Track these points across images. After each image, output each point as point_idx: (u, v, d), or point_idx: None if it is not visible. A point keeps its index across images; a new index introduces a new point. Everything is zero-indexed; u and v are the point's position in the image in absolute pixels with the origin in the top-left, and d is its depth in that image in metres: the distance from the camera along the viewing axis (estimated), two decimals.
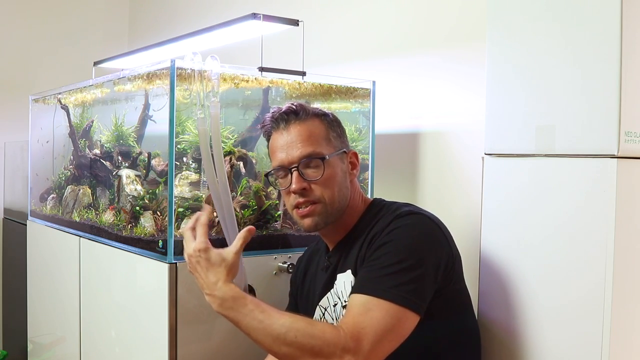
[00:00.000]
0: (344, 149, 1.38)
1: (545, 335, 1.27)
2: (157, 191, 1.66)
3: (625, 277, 1.17)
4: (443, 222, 1.32)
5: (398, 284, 1.16)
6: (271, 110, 1.40)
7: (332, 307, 1.35)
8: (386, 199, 1.42)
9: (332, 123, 1.38)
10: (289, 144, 1.33)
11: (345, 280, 1.31)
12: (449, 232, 1.30)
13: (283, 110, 1.36)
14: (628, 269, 1.18)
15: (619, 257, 1.16)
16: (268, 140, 1.41)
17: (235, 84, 1.59)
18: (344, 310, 1.28)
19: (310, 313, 1.40)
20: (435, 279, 1.22)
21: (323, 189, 1.32)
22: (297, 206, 1.33)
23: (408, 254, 1.19)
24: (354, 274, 1.28)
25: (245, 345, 1.55)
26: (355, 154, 1.41)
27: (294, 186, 1.32)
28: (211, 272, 1.24)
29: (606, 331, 1.16)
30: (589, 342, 1.19)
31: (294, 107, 1.36)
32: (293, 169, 1.32)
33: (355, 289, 1.21)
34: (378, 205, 1.38)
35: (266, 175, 1.41)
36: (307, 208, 1.32)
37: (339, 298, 1.32)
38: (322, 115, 1.37)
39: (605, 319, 1.16)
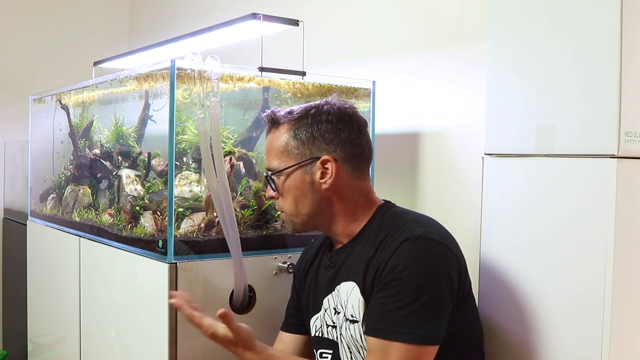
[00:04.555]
0: (312, 158, 1.31)
1: (545, 334, 1.27)
2: (157, 191, 1.66)
3: (625, 277, 1.17)
4: (443, 222, 1.32)
5: (417, 324, 1.17)
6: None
7: (332, 309, 1.34)
8: (391, 201, 1.40)
9: (299, 130, 1.31)
10: (265, 152, 1.40)
11: (348, 290, 1.29)
12: (456, 246, 1.27)
13: (263, 116, 1.39)
14: (628, 268, 1.18)
15: (619, 256, 1.16)
16: None
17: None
18: (349, 324, 1.28)
19: (315, 309, 1.40)
20: (452, 301, 1.22)
21: (283, 200, 1.36)
22: None
23: (423, 290, 1.18)
24: (362, 292, 1.26)
25: None
26: (328, 160, 1.30)
27: (266, 194, 1.42)
28: (232, 348, 1.28)
29: (606, 330, 1.16)
30: (589, 341, 1.19)
31: (267, 115, 1.37)
32: (267, 176, 1.38)
33: (371, 330, 1.20)
34: (385, 213, 1.33)
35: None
36: (281, 214, 1.39)
37: (342, 307, 1.31)
38: (294, 121, 1.33)
39: (605, 318, 1.16)
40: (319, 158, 1.31)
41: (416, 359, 1.17)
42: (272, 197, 1.38)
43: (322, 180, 1.31)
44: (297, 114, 1.34)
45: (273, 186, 1.36)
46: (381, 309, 1.20)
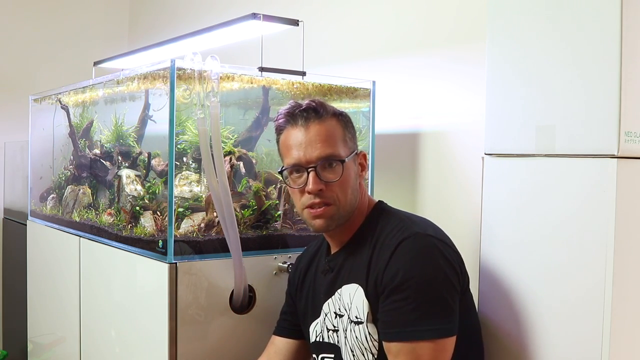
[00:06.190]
0: (356, 151, 1.36)
1: (545, 334, 1.27)
2: (157, 191, 1.66)
3: (625, 277, 1.17)
4: (443, 222, 1.32)
5: (437, 319, 1.18)
6: (288, 105, 1.36)
7: (332, 313, 1.34)
8: (386, 202, 1.41)
9: (347, 123, 1.36)
10: (307, 143, 1.30)
11: (351, 292, 1.29)
12: (451, 241, 1.29)
13: (303, 107, 1.32)
14: (628, 268, 1.18)
15: (619, 257, 1.16)
16: (279, 134, 1.36)
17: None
18: (354, 325, 1.28)
19: (314, 315, 1.40)
20: (458, 293, 1.24)
21: (339, 190, 1.30)
22: (311, 206, 1.30)
23: (434, 285, 1.20)
24: (366, 294, 1.26)
25: (245, 344, 1.55)
26: (364, 155, 1.39)
27: (311, 187, 1.29)
28: None
29: (606, 331, 1.16)
30: (589, 342, 1.19)
31: (314, 104, 1.33)
32: (310, 169, 1.29)
33: (394, 335, 1.20)
34: (381, 212, 1.36)
35: (280, 171, 1.37)
36: (321, 209, 1.30)
37: (346, 310, 1.30)
38: (339, 115, 1.35)
39: (605, 318, 1.16)
40: (358, 153, 1.37)
41: (444, 352, 1.19)
42: (319, 190, 1.28)
43: (362, 173, 1.37)
44: (336, 110, 1.36)
45: (335, 173, 1.29)
46: (398, 313, 1.20)
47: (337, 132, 1.33)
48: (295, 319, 1.47)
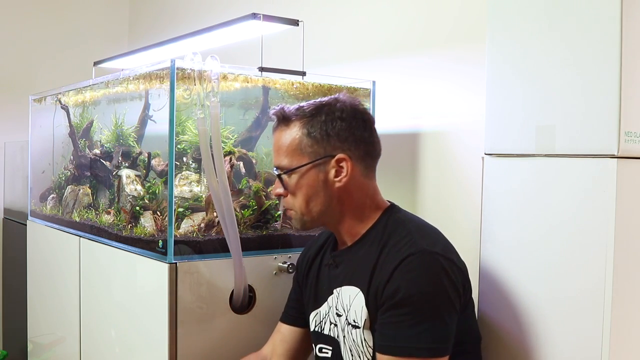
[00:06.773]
0: (326, 156, 1.30)
1: (545, 334, 1.27)
2: (157, 191, 1.66)
3: (625, 277, 1.17)
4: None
5: (435, 338, 1.18)
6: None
7: (333, 308, 1.34)
8: (396, 204, 1.39)
9: (313, 128, 1.30)
10: (273, 149, 1.37)
11: (351, 295, 1.29)
12: (458, 256, 1.27)
13: (272, 113, 1.37)
14: (628, 268, 1.18)
15: (619, 256, 1.16)
16: None
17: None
18: (351, 328, 1.28)
19: (315, 304, 1.40)
20: (457, 313, 1.23)
21: (293, 198, 1.33)
22: None
23: (435, 304, 1.19)
24: (366, 302, 1.26)
25: (245, 344, 1.55)
26: (344, 159, 1.29)
27: (272, 191, 1.41)
28: None
29: (606, 331, 1.16)
30: (589, 341, 1.19)
31: (276, 113, 1.35)
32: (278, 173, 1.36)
33: (391, 350, 1.20)
34: (390, 219, 1.33)
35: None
36: (288, 212, 1.38)
37: (344, 311, 1.31)
38: (307, 119, 1.31)
39: (605, 318, 1.16)
40: (333, 156, 1.30)
41: None
42: (279, 195, 1.36)
43: (336, 179, 1.30)
44: (309, 111, 1.31)
45: (283, 184, 1.34)
46: (395, 327, 1.20)
47: (291, 142, 1.32)
48: (302, 305, 1.47)
